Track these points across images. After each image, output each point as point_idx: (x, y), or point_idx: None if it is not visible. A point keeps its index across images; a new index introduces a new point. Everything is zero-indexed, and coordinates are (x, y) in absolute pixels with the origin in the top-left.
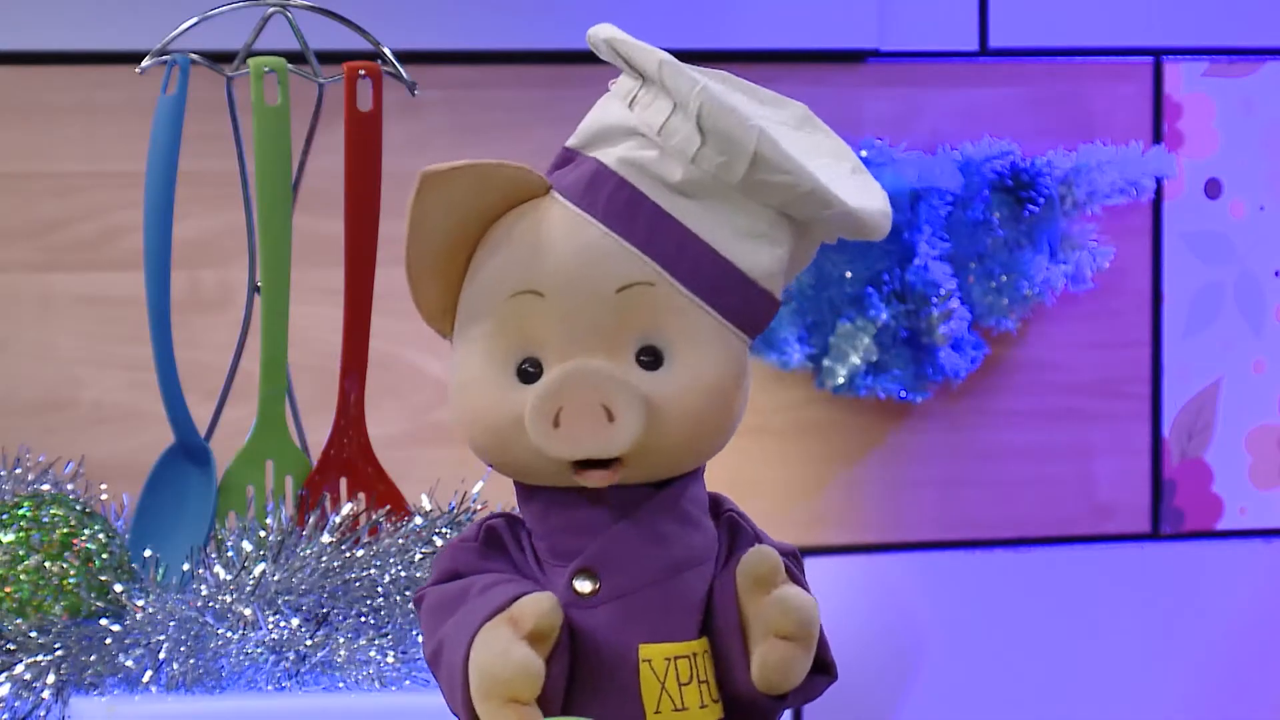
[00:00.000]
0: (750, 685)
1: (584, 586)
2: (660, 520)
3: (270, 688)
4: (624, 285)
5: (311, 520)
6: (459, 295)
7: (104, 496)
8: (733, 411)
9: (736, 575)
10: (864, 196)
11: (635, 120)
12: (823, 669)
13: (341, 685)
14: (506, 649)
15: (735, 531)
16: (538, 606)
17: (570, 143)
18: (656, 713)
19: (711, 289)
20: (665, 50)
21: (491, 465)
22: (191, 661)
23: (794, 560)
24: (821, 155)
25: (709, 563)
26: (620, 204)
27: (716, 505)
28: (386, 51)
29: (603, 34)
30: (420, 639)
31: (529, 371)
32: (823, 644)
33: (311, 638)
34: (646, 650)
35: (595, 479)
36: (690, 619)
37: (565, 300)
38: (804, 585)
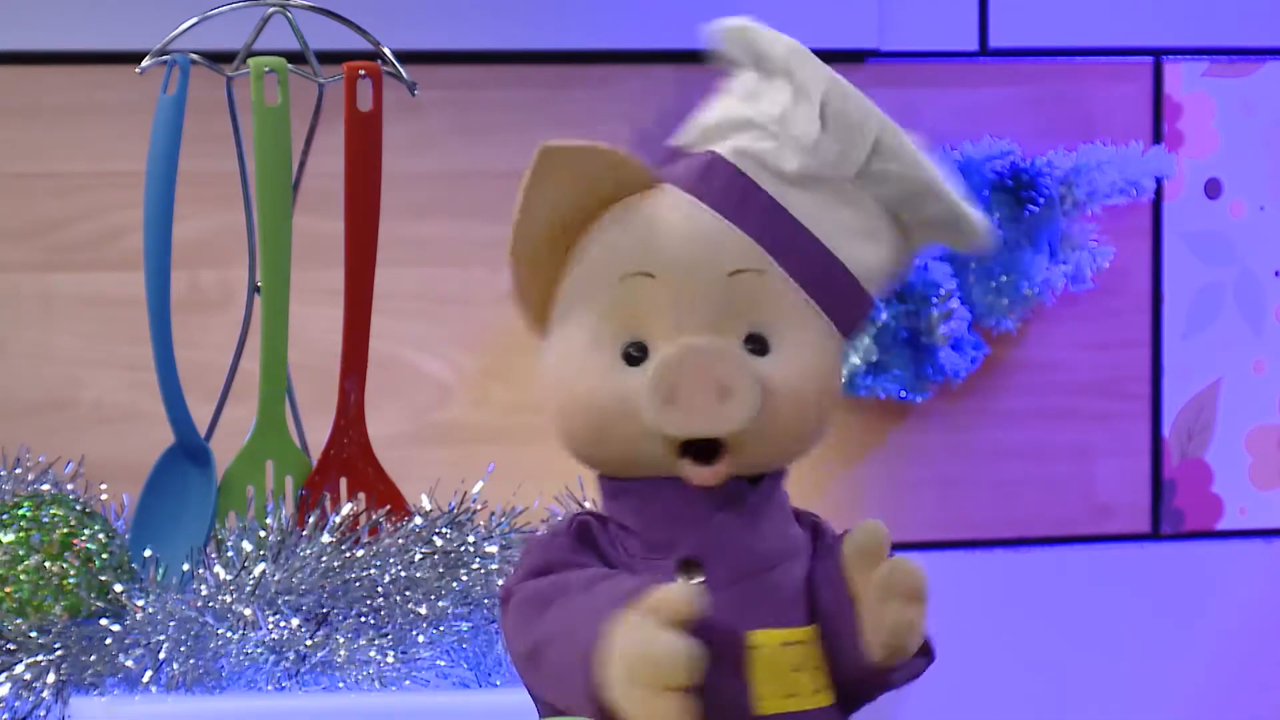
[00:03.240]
0: (859, 665)
1: (689, 579)
2: (758, 513)
3: (270, 688)
4: (735, 270)
5: (311, 520)
6: (554, 288)
7: (104, 496)
8: (831, 409)
9: (844, 551)
10: (969, 206)
11: (753, 112)
12: (923, 650)
13: (341, 685)
14: (657, 636)
15: (819, 530)
16: (681, 594)
17: (679, 141)
18: (767, 699)
19: (817, 282)
20: (665, 50)
21: (587, 456)
22: (191, 661)
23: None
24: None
25: (803, 556)
26: (735, 192)
27: (797, 513)
28: (386, 51)
29: (736, 24)
30: (509, 636)
31: (634, 355)
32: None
33: (311, 638)
34: (755, 638)
35: (703, 476)
36: (797, 606)
37: (677, 282)
38: None
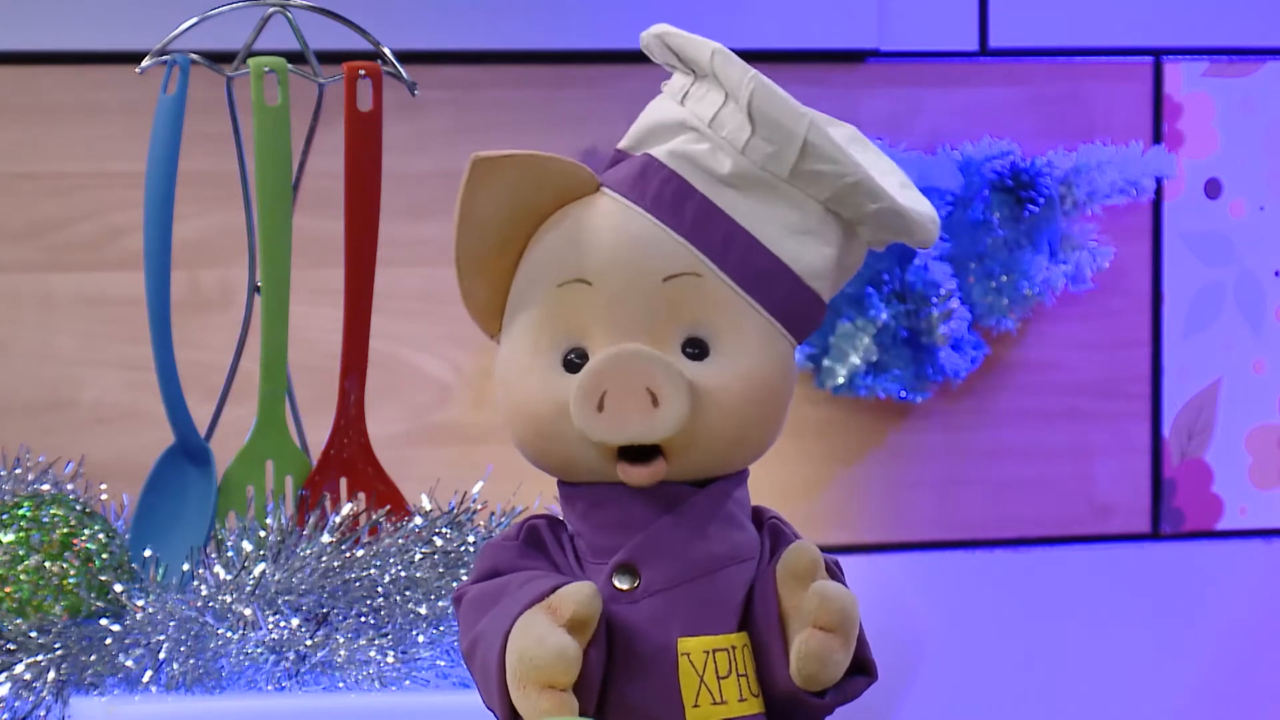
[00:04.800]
0: (790, 681)
1: (624, 583)
2: (702, 518)
3: (270, 688)
4: (671, 275)
5: (311, 520)
6: (507, 294)
7: (104, 496)
8: (777, 412)
9: (776, 570)
10: (912, 201)
11: (686, 114)
12: (862, 669)
13: (341, 685)
14: (544, 635)
15: (778, 536)
16: (577, 594)
17: (621, 145)
18: (695, 706)
19: (758, 283)
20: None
21: (535, 461)
22: (191, 661)
23: (836, 567)
24: (869, 167)
25: (750, 562)
26: (669, 195)
27: (759, 513)
28: (386, 51)
29: (654, 30)
30: (457, 637)
31: (574, 362)
32: (862, 643)
33: (311, 638)
34: (685, 644)
35: (638, 476)
36: (730, 614)
37: (612, 288)
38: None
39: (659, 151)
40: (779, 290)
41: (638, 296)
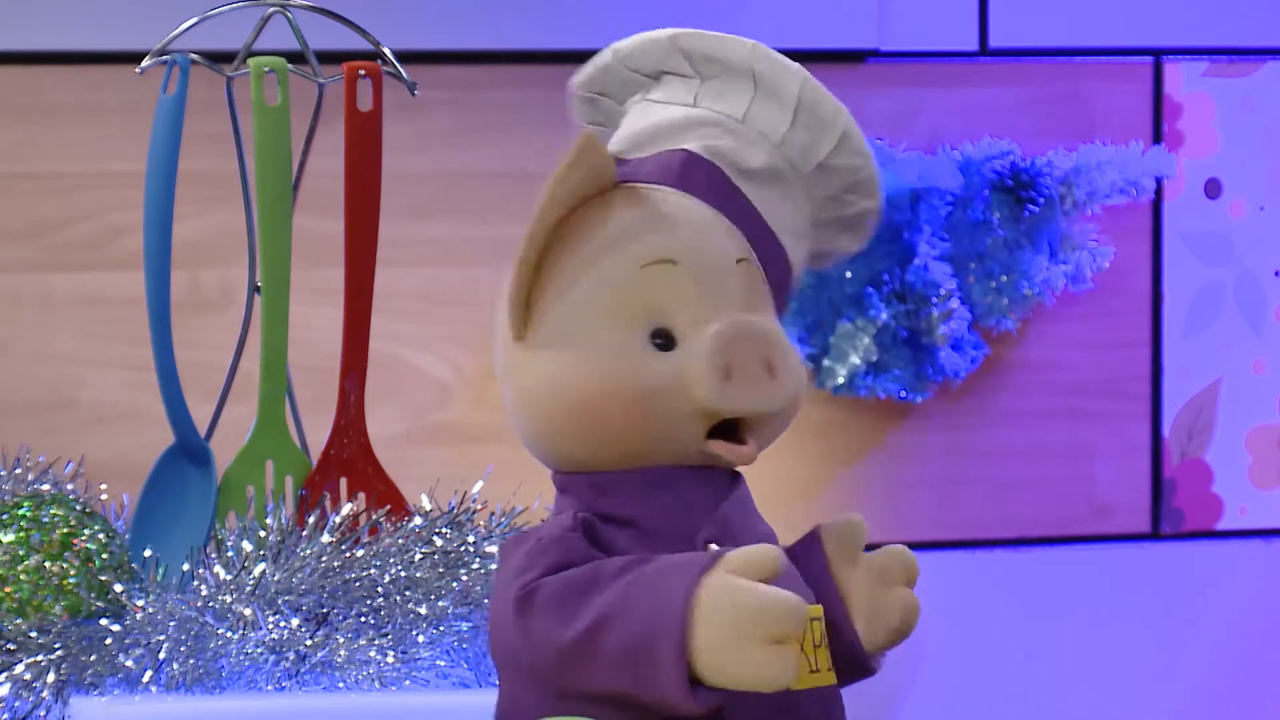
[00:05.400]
0: (846, 650)
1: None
2: (747, 501)
3: (270, 688)
4: (739, 258)
5: (311, 520)
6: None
7: (104, 496)
8: None
9: (827, 543)
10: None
11: (704, 112)
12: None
13: (341, 685)
14: (757, 590)
15: None
16: (764, 552)
17: (615, 148)
18: (798, 676)
19: (777, 277)
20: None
21: (594, 452)
22: (191, 661)
23: None
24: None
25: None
26: (717, 185)
27: None
28: (386, 51)
29: (668, 33)
30: (537, 632)
31: (662, 342)
32: None
33: (311, 638)
34: None
35: (740, 454)
36: (803, 588)
37: (699, 267)
38: None
39: (693, 147)
40: (785, 285)
41: (719, 276)
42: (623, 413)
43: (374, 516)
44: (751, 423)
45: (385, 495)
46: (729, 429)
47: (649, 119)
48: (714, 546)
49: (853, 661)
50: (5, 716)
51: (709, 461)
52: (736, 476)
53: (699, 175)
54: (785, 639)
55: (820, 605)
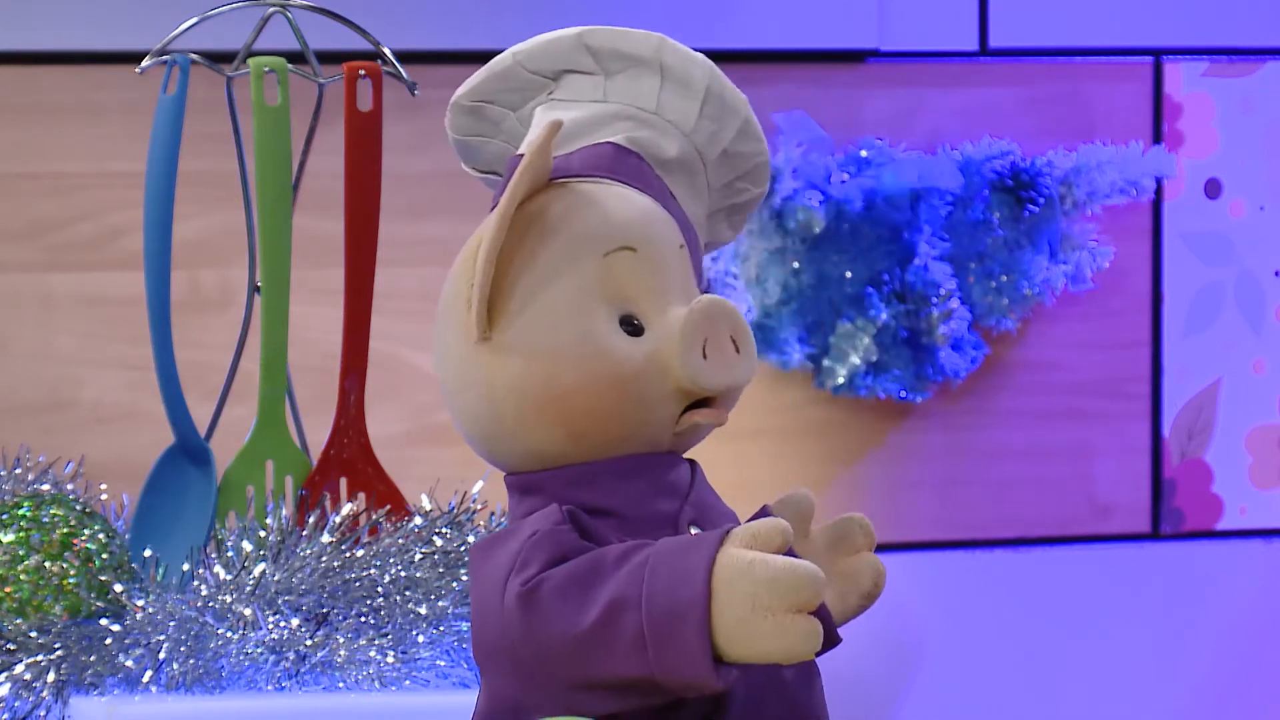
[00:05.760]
0: None
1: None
2: (706, 483)
3: (270, 688)
4: (679, 244)
5: (311, 520)
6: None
7: (104, 496)
8: None
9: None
10: None
11: (617, 106)
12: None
13: (341, 685)
14: (783, 562)
15: None
16: (773, 524)
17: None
18: None
19: (698, 262)
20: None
21: (572, 443)
22: (191, 661)
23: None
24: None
25: None
26: (646, 175)
27: None
28: (386, 51)
29: (573, 32)
30: (546, 623)
31: (630, 328)
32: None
33: (311, 638)
34: None
35: (711, 415)
36: None
37: (656, 253)
38: None
39: (618, 140)
40: (701, 271)
41: (671, 261)
42: (604, 400)
43: (374, 516)
44: (722, 397)
45: (385, 495)
46: (699, 405)
47: (564, 115)
48: (694, 529)
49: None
50: (5, 716)
51: (676, 447)
52: (694, 463)
53: (630, 165)
54: (805, 606)
55: None
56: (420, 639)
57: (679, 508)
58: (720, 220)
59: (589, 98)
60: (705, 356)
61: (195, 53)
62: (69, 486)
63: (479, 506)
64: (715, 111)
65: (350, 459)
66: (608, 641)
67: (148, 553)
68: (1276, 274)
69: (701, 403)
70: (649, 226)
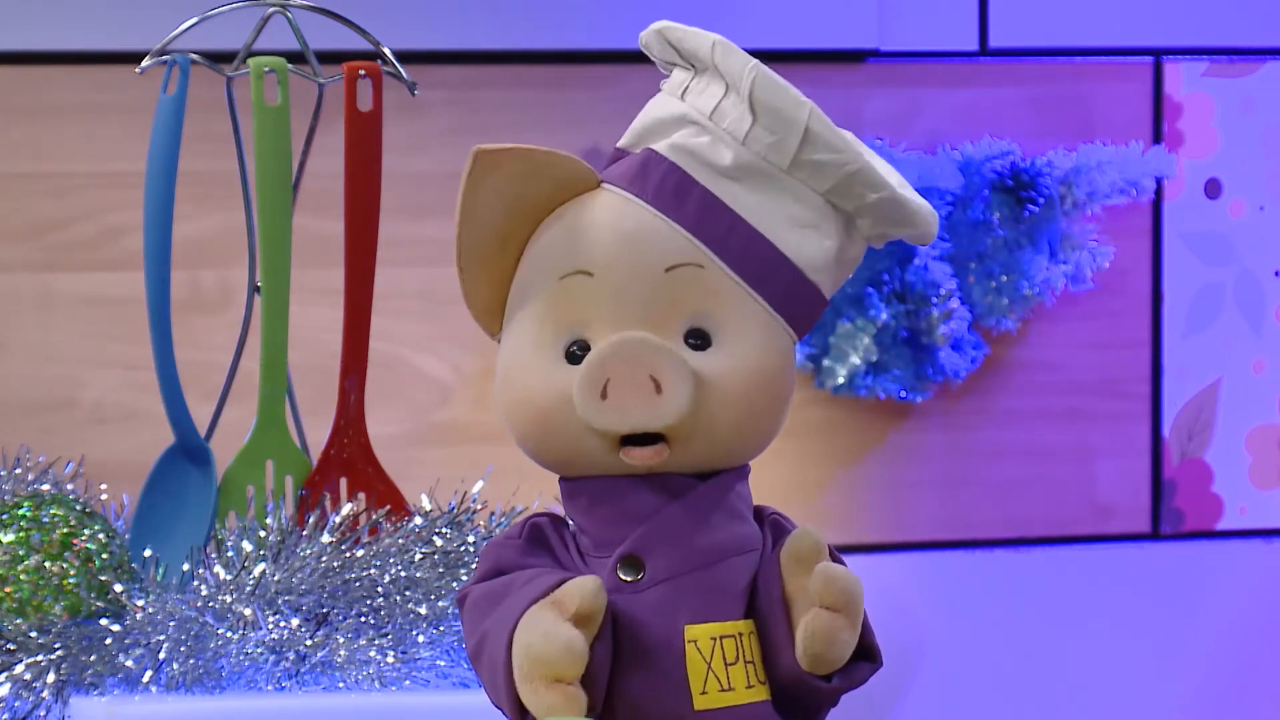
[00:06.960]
0: (796, 666)
1: (629, 574)
2: (706, 508)
3: (270, 688)
4: (673, 265)
5: (311, 520)
6: (508, 292)
7: (104, 496)
8: (779, 405)
9: (780, 555)
10: (912, 194)
11: (686, 108)
12: (867, 655)
13: (341, 685)
14: (550, 629)
15: (779, 530)
16: (582, 588)
17: (621, 143)
18: (703, 694)
19: (759, 275)
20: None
21: (537, 456)
22: (191, 661)
23: (837, 557)
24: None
25: (754, 553)
26: (670, 187)
27: (760, 511)
28: (386, 51)
29: (655, 27)
30: (457, 637)
31: (577, 354)
32: (867, 629)
33: (311, 638)
34: (692, 631)
35: (641, 457)
36: (736, 602)
37: (614, 279)
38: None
39: (660, 146)
40: (780, 283)
41: (640, 287)
42: (530, 424)
43: (374, 516)
44: (669, 435)
45: (385, 495)
46: (647, 439)
47: (647, 113)
48: (624, 565)
49: (799, 681)
50: (5, 716)
51: (660, 468)
52: (711, 477)
53: (652, 176)
54: (559, 678)
55: (744, 621)
56: (420, 639)
57: (624, 537)
58: (852, 224)
59: (675, 94)
60: (605, 397)
61: (195, 53)
62: (69, 486)
63: (479, 507)
64: (769, 122)
65: (350, 459)
66: (479, 668)
67: (148, 553)
68: (1276, 274)
69: (642, 439)
70: (619, 250)
